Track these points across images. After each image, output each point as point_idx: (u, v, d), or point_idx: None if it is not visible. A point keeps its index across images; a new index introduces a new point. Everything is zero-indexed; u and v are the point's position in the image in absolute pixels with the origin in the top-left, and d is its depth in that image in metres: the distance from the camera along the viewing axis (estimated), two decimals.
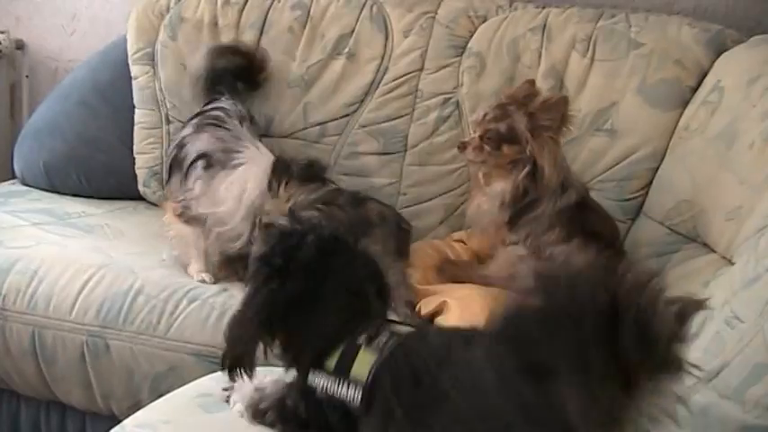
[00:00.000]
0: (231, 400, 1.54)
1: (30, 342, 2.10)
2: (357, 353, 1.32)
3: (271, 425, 1.43)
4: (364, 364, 1.30)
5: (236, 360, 1.38)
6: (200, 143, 2.29)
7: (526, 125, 2.02)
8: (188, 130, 2.36)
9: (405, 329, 1.37)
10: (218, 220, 2.19)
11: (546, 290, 1.11)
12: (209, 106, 2.41)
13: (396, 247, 2.07)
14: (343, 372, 1.31)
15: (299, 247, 1.38)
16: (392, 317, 1.45)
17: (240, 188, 2.18)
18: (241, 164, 2.21)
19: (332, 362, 1.33)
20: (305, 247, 1.38)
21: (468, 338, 1.22)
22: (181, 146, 2.34)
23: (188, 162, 2.27)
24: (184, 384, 1.73)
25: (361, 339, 1.33)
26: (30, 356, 2.11)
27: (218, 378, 1.64)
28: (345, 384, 1.30)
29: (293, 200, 2.08)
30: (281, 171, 2.17)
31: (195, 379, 1.76)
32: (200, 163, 2.25)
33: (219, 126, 2.31)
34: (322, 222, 1.54)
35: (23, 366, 2.13)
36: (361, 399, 1.28)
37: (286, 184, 2.15)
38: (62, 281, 2.13)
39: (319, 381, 1.34)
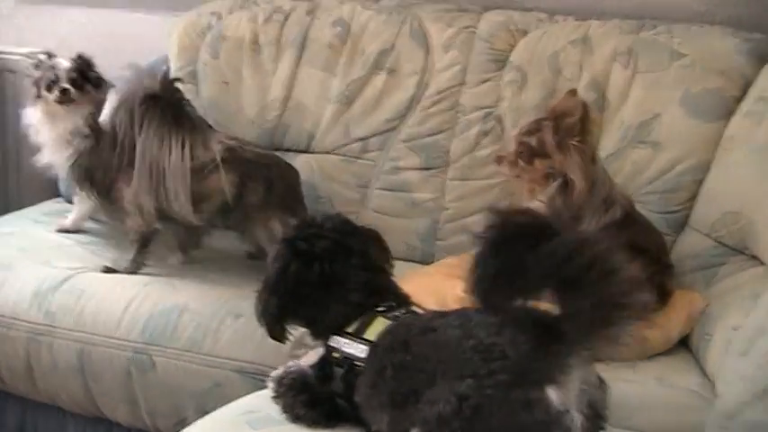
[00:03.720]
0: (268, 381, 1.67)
1: (77, 359, 2.13)
2: (374, 320, 1.49)
3: (285, 393, 1.58)
4: (378, 327, 1.47)
5: (270, 332, 1.60)
6: None
7: (552, 137, 2.01)
8: None
9: (419, 311, 1.54)
10: None
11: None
12: None
13: None
14: (358, 334, 1.49)
15: (321, 234, 1.56)
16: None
17: None
18: None
19: (352, 328, 1.50)
20: (326, 234, 1.56)
21: (449, 312, 1.39)
22: None
23: None
24: (230, 401, 1.73)
25: (380, 309, 1.51)
26: (76, 373, 2.14)
27: (264, 395, 1.65)
28: (358, 343, 1.47)
29: None
30: None
31: (240, 396, 1.76)
32: None
33: None
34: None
35: (70, 383, 2.16)
36: (368, 354, 1.45)
37: None
38: (108, 299, 2.15)
39: (338, 343, 1.50)
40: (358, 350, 1.47)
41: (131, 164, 2.23)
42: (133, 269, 2.29)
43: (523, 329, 1.24)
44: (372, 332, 1.48)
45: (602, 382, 1.33)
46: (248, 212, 2.25)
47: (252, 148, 2.33)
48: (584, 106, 2.04)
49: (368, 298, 1.53)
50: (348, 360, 1.49)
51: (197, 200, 2.22)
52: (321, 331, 1.57)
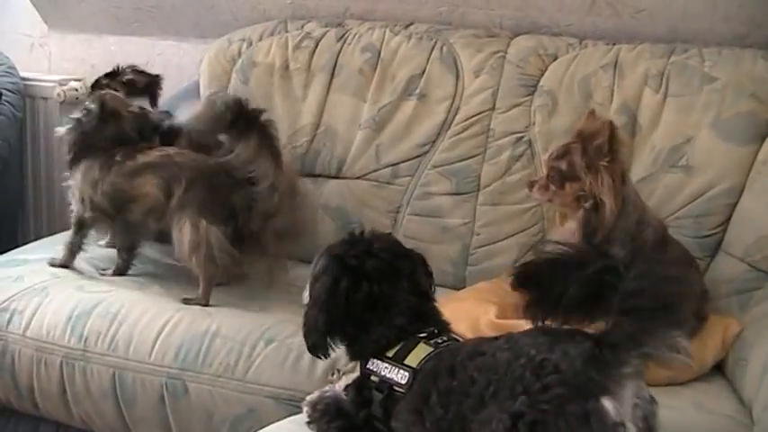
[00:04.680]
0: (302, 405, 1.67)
1: (110, 383, 2.13)
2: (416, 346, 1.47)
3: (319, 418, 1.59)
4: (420, 354, 1.46)
5: (314, 348, 1.57)
6: None
7: (581, 159, 2.01)
8: None
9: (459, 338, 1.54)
10: None
11: None
12: None
13: None
14: (399, 359, 1.47)
15: (371, 252, 1.54)
16: None
17: None
18: None
19: (392, 352, 1.49)
20: (376, 253, 1.55)
21: (498, 337, 1.39)
22: None
23: None
24: (264, 427, 1.74)
25: (422, 335, 1.49)
26: (110, 398, 2.14)
27: (299, 421, 1.65)
28: (398, 369, 1.46)
29: None
30: None
31: (274, 422, 1.77)
32: None
33: None
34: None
35: (104, 408, 2.15)
36: (410, 381, 1.43)
37: None
38: (141, 323, 2.15)
39: (377, 367, 1.49)
40: (398, 375, 1.45)
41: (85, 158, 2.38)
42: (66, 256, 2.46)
43: (574, 344, 1.24)
44: (414, 358, 1.46)
45: (652, 398, 1.32)
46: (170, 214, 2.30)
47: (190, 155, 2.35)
48: (611, 125, 2.03)
49: (412, 323, 1.51)
50: (386, 384, 1.47)
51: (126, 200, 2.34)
52: (360, 352, 1.55)
